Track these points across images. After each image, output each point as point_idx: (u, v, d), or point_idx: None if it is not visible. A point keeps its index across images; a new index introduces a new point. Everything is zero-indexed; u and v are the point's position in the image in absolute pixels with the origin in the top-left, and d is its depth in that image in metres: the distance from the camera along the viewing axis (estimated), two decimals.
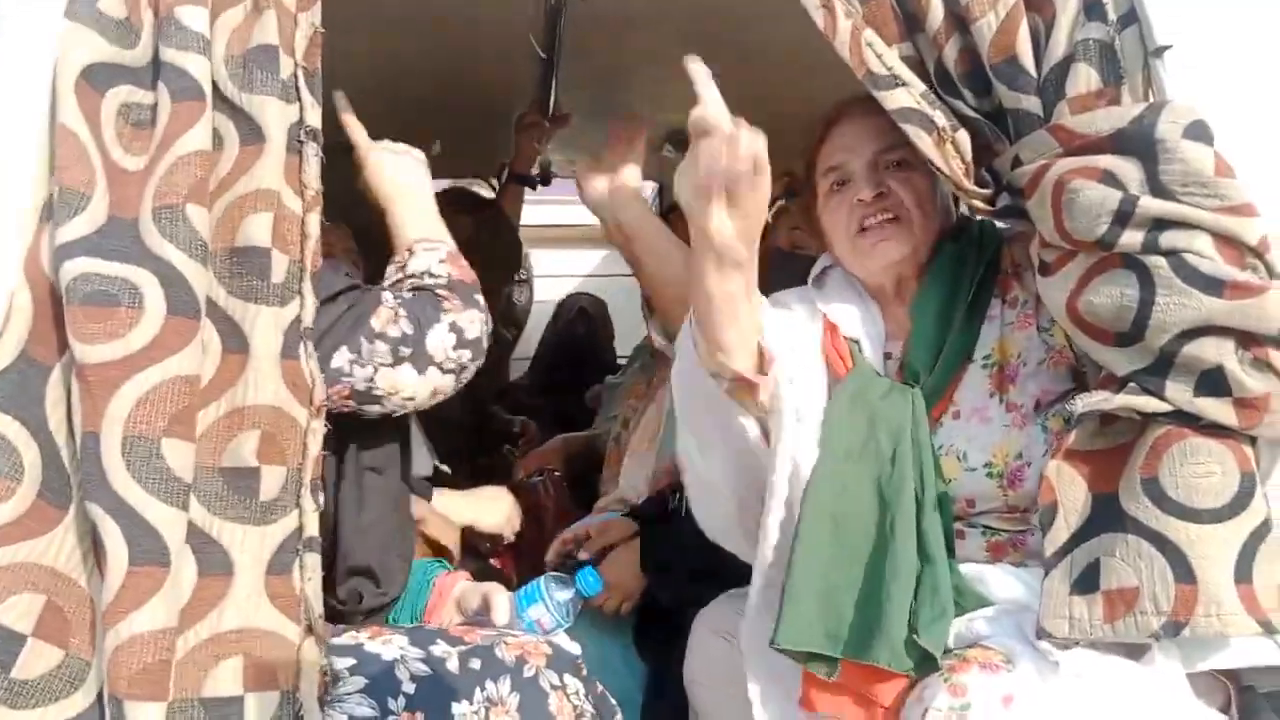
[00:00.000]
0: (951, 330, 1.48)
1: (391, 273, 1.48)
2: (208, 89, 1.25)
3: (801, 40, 1.51)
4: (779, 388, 1.36)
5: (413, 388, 1.38)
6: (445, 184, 2.87)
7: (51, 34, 1.25)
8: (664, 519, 1.98)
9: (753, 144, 1.18)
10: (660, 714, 1.88)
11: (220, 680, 1.18)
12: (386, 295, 1.40)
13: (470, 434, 2.85)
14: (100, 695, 1.15)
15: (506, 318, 3.45)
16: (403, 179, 1.57)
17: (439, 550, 1.81)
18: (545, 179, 2.84)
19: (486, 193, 2.98)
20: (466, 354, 1.42)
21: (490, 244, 2.59)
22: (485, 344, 1.46)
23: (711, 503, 1.49)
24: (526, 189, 2.84)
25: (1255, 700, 1.43)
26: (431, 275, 1.45)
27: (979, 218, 1.54)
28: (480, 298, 1.47)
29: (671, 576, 1.93)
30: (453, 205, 2.46)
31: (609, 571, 1.96)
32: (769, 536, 1.39)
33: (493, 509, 2.01)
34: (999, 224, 1.53)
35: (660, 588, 1.97)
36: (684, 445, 1.48)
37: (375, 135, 1.61)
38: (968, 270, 1.50)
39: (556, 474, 2.55)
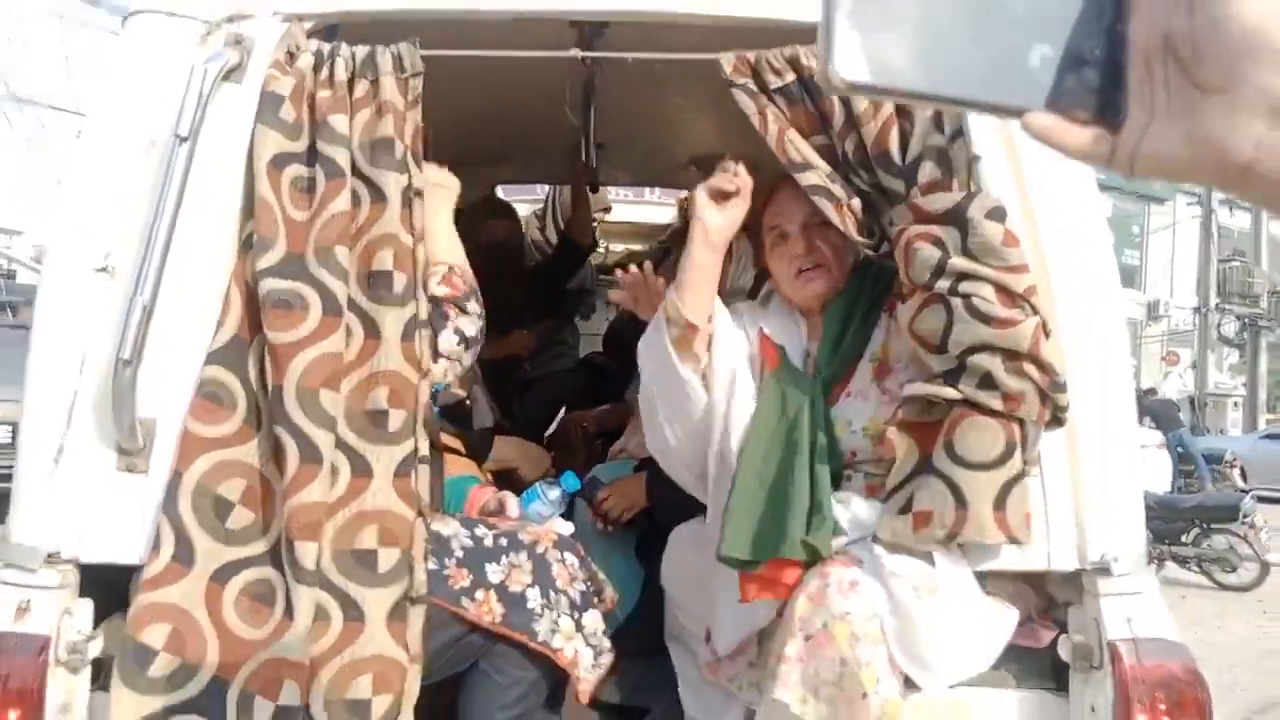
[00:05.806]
0: (848, 335, 2.07)
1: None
2: (347, 169, 1.85)
3: None
4: (712, 348, 1.99)
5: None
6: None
7: (246, 129, 1.87)
8: None
9: (743, 175, 1.89)
10: (650, 601, 2.51)
11: (364, 538, 1.76)
12: None
13: None
14: (276, 542, 1.77)
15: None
16: (430, 222, 2.02)
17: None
18: (594, 187, 3.70)
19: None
20: (462, 348, 2.03)
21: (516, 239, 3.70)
22: (480, 337, 2.07)
23: (668, 458, 2.13)
24: None
25: (1055, 606, 2.04)
26: (435, 297, 1.99)
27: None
28: (470, 303, 2.06)
29: (666, 502, 2.55)
30: (496, 211, 3.52)
31: (621, 487, 2.66)
32: (711, 473, 2.04)
33: (534, 466, 2.60)
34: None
35: (658, 511, 2.62)
36: (645, 410, 2.10)
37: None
38: (864, 294, 2.08)
39: (585, 424, 3.28)
